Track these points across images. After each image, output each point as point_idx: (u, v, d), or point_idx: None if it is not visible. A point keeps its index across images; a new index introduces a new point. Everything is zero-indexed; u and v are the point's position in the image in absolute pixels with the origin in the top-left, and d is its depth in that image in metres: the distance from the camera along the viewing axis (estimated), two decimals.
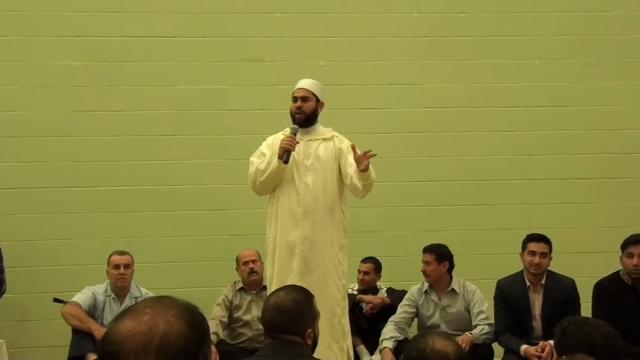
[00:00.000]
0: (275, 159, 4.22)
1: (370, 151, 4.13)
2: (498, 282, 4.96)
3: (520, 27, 6.27)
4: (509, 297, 4.83)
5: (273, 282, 4.31)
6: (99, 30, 5.99)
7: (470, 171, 6.15)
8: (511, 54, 6.25)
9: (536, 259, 4.73)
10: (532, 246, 4.77)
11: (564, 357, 2.51)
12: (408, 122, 6.16)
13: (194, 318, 1.39)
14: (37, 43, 5.95)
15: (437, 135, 6.18)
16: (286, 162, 4.22)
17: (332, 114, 5.43)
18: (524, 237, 4.92)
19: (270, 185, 4.36)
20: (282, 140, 4.25)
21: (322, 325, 4.17)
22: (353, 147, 4.19)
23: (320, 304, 4.18)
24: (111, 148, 5.95)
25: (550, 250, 4.80)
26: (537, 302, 4.80)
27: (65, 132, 5.92)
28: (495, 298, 4.94)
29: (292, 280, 4.10)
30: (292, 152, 4.24)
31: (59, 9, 5.96)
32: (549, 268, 4.84)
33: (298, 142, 4.27)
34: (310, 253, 4.26)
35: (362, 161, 4.10)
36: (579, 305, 4.75)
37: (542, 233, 4.87)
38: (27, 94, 5.93)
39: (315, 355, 4.04)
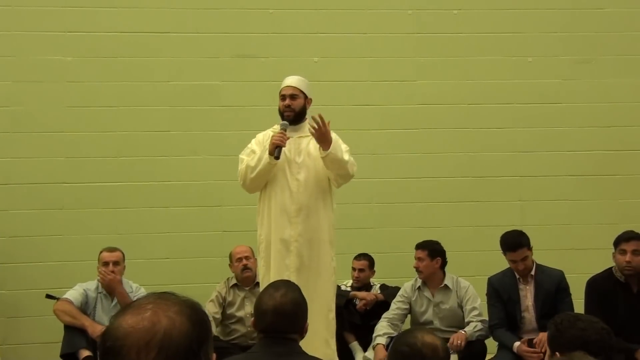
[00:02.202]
0: (266, 155, 4.20)
1: (320, 119, 4.08)
2: (489, 278, 4.98)
3: (513, 24, 6.28)
4: (501, 291, 4.85)
5: (269, 279, 4.29)
6: (91, 26, 5.97)
7: (464, 168, 6.16)
8: (504, 51, 6.26)
9: (520, 266, 4.75)
10: (511, 256, 4.77)
11: (557, 354, 2.51)
12: (401, 118, 6.16)
13: (196, 315, 1.37)
14: (29, 38, 5.92)
15: (431, 132, 6.18)
16: (277, 158, 4.19)
17: (326, 110, 5.40)
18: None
19: (261, 182, 4.34)
20: (272, 136, 4.23)
21: (319, 321, 4.21)
22: (316, 118, 4.10)
23: (316, 300, 4.21)
24: (104, 144, 5.93)
25: (530, 247, 4.78)
26: (528, 294, 4.81)
27: (58, 127, 5.90)
28: (487, 294, 4.95)
29: (289, 277, 4.06)
30: (283, 148, 4.23)
31: (51, 5, 5.93)
32: (536, 261, 4.85)
33: (288, 138, 4.26)
34: (305, 250, 4.26)
35: (322, 135, 4.09)
36: (569, 294, 4.78)
37: (521, 231, 4.82)
38: (20, 89, 5.90)
39: (314, 351, 4.05)
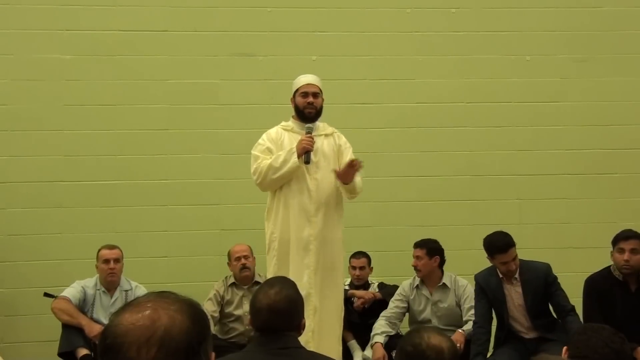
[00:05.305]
0: (294, 159, 4.20)
1: (357, 161, 4.19)
2: (475, 275, 4.86)
3: (512, 23, 6.28)
4: (486, 289, 4.75)
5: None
6: (90, 24, 5.97)
7: (462, 166, 6.16)
8: (503, 50, 6.26)
9: (511, 266, 4.63)
10: (502, 258, 4.60)
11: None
12: (400, 117, 6.16)
13: (196, 314, 1.38)
14: (28, 37, 5.91)
15: (429, 131, 6.18)
16: (307, 162, 4.22)
17: (324, 109, 5.37)
18: (514, 232, 4.74)
19: (282, 183, 4.31)
20: (301, 140, 4.23)
21: (335, 318, 4.29)
22: (351, 162, 4.23)
23: (332, 298, 4.27)
24: (102, 142, 5.93)
25: (514, 247, 4.64)
26: (514, 293, 4.72)
27: (56, 126, 5.90)
28: (474, 291, 4.89)
29: (309, 275, 4.15)
30: (311, 152, 4.24)
31: (50, 3, 5.93)
32: (520, 257, 4.72)
33: (315, 142, 4.28)
34: (323, 249, 4.28)
35: (348, 176, 4.22)
36: (559, 285, 4.67)
37: (504, 231, 4.68)
38: (18, 87, 5.90)
39: (330, 349, 4.04)
